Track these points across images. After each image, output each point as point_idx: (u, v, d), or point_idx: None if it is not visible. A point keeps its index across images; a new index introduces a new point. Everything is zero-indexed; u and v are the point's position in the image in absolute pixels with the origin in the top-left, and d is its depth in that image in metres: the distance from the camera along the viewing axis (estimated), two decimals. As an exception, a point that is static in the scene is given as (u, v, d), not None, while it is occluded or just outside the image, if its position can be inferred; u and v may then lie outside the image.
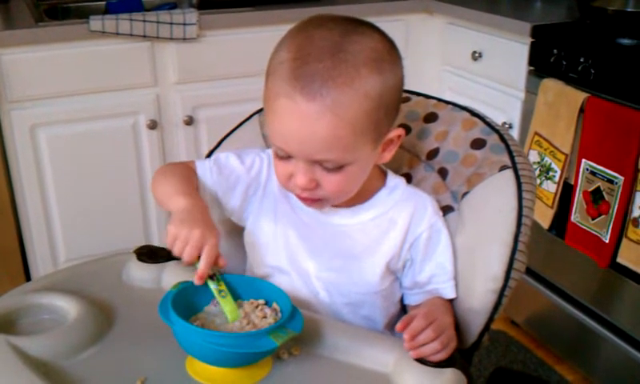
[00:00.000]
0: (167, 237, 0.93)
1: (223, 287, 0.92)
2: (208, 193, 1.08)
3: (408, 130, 1.18)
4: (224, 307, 0.91)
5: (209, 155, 1.24)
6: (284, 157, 0.96)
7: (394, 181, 1.08)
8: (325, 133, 0.90)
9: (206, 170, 1.08)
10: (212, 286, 0.91)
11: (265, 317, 0.91)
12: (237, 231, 1.15)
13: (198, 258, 0.91)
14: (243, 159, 1.10)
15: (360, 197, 1.05)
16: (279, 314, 0.92)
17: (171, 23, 2.16)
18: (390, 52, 0.96)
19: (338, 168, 0.94)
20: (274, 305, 0.94)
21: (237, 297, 0.95)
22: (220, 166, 1.09)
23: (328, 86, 0.88)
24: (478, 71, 2.38)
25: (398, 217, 1.05)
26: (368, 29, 0.95)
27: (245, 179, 1.09)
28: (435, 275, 1.05)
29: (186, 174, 1.06)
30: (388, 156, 1.02)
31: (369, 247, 1.05)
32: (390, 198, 1.06)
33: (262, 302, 0.94)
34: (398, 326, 0.90)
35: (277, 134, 0.95)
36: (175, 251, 0.92)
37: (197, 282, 0.91)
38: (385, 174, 1.09)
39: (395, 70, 0.96)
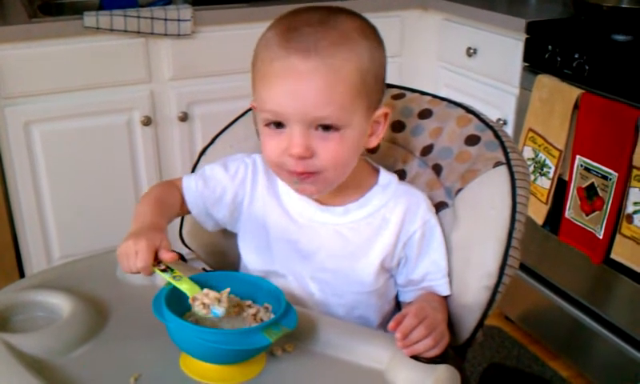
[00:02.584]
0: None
1: (177, 273, 0.92)
2: (196, 207, 1.09)
3: (402, 126, 1.18)
4: (180, 287, 0.90)
5: (203, 152, 1.24)
6: (276, 127, 0.95)
7: (387, 178, 1.08)
8: (321, 86, 0.91)
9: (191, 186, 1.09)
10: (166, 276, 0.91)
11: (256, 312, 0.92)
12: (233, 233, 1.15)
13: (154, 264, 0.92)
14: (228, 167, 1.09)
15: (352, 194, 1.05)
16: (270, 310, 0.92)
17: (165, 19, 2.16)
18: (373, 32, 0.99)
19: (335, 131, 0.94)
20: (265, 304, 0.94)
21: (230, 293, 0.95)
22: (205, 178, 1.09)
23: (322, 45, 0.91)
24: (473, 67, 2.38)
25: (390, 215, 1.05)
26: (350, 13, 0.99)
27: (230, 188, 1.08)
28: (429, 272, 1.05)
29: (159, 199, 1.06)
30: (375, 141, 1.02)
31: (362, 246, 1.04)
32: (382, 195, 1.06)
33: (248, 302, 0.94)
34: (391, 324, 0.90)
35: (270, 100, 0.94)
36: (124, 269, 0.93)
37: (144, 274, 0.92)
38: (377, 172, 1.09)
39: (379, 48, 0.99)
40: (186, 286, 0.91)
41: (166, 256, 0.91)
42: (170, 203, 1.07)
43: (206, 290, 0.90)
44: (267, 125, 0.97)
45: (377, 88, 0.98)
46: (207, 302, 0.89)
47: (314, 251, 1.05)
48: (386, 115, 1.01)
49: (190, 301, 0.90)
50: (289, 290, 1.05)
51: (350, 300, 1.06)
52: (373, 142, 1.02)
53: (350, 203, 1.05)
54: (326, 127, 0.94)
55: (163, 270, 0.92)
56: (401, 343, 0.89)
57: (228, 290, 0.91)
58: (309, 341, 0.94)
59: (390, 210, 1.05)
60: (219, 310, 0.88)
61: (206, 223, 1.12)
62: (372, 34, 0.98)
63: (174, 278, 0.91)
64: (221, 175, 1.09)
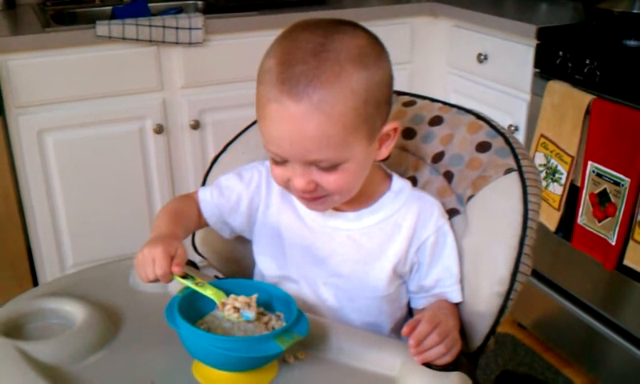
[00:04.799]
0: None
1: (199, 279, 0.93)
2: (212, 216, 1.10)
3: (413, 133, 1.18)
4: (206, 293, 0.91)
5: (215, 160, 1.25)
6: (280, 162, 0.97)
7: (400, 184, 1.08)
8: (315, 133, 0.90)
9: (206, 197, 1.10)
10: (187, 282, 0.92)
11: (268, 320, 0.92)
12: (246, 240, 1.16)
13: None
14: (242, 176, 1.11)
15: (365, 200, 1.05)
16: (282, 318, 0.92)
17: (177, 28, 2.17)
18: (374, 47, 0.96)
19: (334, 167, 0.94)
20: (277, 312, 0.94)
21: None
22: (221, 188, 1.10)
23: (313, 86, 0.89)
24: (484, 73, 2.38)
25: (403, 220, 1.05)
26: (350, 27, 0.96)
27: (246, 195, 1.10)
28: (441, 279, 1.05)
29: (175, 211, 1.07)
30: (385, 152, 1.02)
31: (375, 251, 1.05)
32: (395, 201, 1.06)
33: (260, 310, 0.94)
34: (404, 330, 0.90)
35: (270, 139, 0.95)
36: (142, 278, 0.93)
37: (163, 282, 0.92)
38: (390, 178, 1.09)
39: (381, 64, 0.96)
40: (210, 292, 0.92)
41: (174, 269, 0.92)
42: (187, 215, 1.08)
43: (233, 296, 0.91)
44: (271, 158, 0.98)
45: (380, 111, 0.96)
46: (238, 306, 0.90)
47: (328, 256, 1.06)
48: (395, 130, 1.01)
49: (219, 306, 0.90)
50: (301, 296, 1.06)
51: (362, 305, 1.07)
52: (383, 154, 1.02)
53: (363, 209, 1.06)
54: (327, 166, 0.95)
55: (183, 277, 0.92)
56: (414, 349, 0.89)
57: (256, 295, 0.92)
58: (321, 348, 0.94)
59: (403, 216, 1.05)
60: (251, 314, 0.89)
61: (223, 231, 1.13)
62: (372, 54, 0.95)
63: (196, 284, 0.92)
64: (235, 184, 1.10)
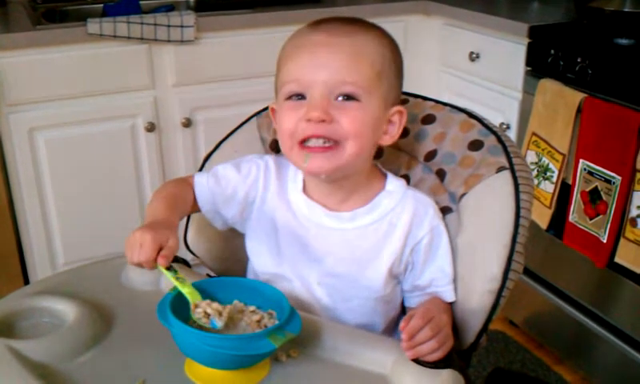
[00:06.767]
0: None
1: (180, 275, 0.93)
2: (206, 204, 1.09)
3: (406, 131, 1.18)
4: (183, 290, 0.91)
5: (207, 158, 1.24)
6: (297, 100, 0.98)
7: (394, 184, 1.08)
8: (345, 57, 0.96)
9: (203, 184, 1.09)
10: (168, 274, 0.91)
11: (260, 318, 0.92)
12: (240, 235, 1.15)
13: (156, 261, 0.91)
14: (240, 168, 1.10)
15: (360, 200, 1.06)
16: (274, 316, 0.92)
17: (169, 26, 2.17)
18: (395, 45, 1.05)
19: (356, 101, 0.97)
20: (270, 310, 0.94)
21: (233, 299, 0.95)
22: (217, 177, 1.09)
23: (347, 29, 0.99)
24: (476, 72, 2.38)
25: (397, 220, 1.05)
26: (373, 25, 1.04)
27: (242, 188, 1.09)
28: (435, 279, 1.05)
29: (172, 195, 1.06)
30: (389, 139, 1.04)
31: (370, 251, 1.05)
32: (389, 200, 1.06)
33: (252, 308, 0.94)
34: (402, 325, 0.90)
35: (296, 69, 0.98)
36: (128, 258, 0.92)
37: (146, 268, 0.92)
38: (385, 177, 1.09)
39: (398, 57, 1.04)
40: (188, 290, 0.91)
41: (160, 260, 0.90)
42: (182, 199, 1.07)
43: (208, 301, 0.91)
44: (288, 98, 0.99)
45: (395, 84, 1.03)
46: (210, 312, 0.89)
47: (323, 256, 1.06)
48: (400, 113, 1.03)
49: (192, 307, 0.90)
50: (295, 294, 1.05)
51: (356, 306, 1.07)
52: (386, 141, 1.04)
53: (357, 208, 1.06)
54: (348, 97, 0.97)
55: (167, 268, 0.91)
56: (406, 344, 0.89)
57: (230, 306, 0.92)
58: (313, 346, 0.94)
59: (398, 215, 1.05)
60: (219, 323, 0.89)
61: (215, 221, 1.12)
62: (393, 41, 1.05)
63: (177, 278, 0.91)
64: (232, 175, 1.09)
